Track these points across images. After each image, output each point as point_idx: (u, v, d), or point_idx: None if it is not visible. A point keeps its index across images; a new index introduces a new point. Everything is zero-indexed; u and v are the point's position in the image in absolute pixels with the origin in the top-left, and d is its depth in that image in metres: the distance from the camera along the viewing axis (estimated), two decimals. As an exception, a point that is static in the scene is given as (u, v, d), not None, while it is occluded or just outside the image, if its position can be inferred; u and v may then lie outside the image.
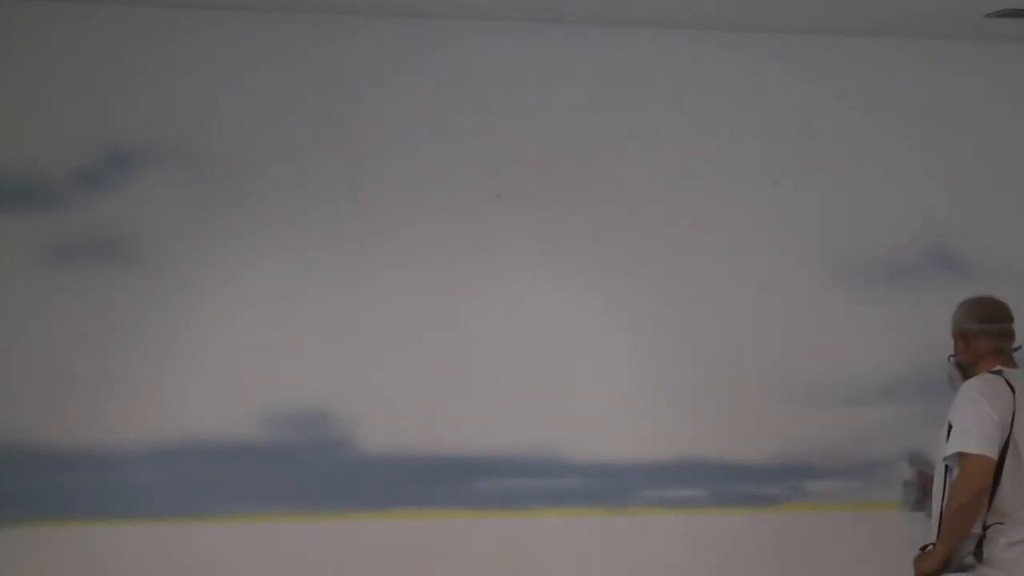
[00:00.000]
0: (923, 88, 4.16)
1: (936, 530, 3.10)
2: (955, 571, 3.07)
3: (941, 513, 3.08)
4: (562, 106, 3.96)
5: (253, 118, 3.81)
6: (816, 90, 4.11)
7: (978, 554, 3.03)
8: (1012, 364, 3.21)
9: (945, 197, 4.17)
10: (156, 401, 3.73)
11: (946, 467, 3.09)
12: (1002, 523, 3.03)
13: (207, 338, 3.77)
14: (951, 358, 3.33)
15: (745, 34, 4.04)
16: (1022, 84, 4.23)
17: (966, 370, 3.26)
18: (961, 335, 3.27)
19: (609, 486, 3.97)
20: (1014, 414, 3.05)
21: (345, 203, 3.85)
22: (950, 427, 3.08)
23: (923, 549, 3.16)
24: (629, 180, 4.00)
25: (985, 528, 3.03)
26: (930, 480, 3.35)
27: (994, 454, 2.99)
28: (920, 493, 3.51)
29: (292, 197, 3.82)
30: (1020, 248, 4.21)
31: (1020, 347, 3.25)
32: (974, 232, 4.18)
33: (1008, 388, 3.08)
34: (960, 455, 3.00)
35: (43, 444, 3.67)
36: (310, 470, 3.79)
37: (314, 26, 3.84)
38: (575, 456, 3.94)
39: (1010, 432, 3.04)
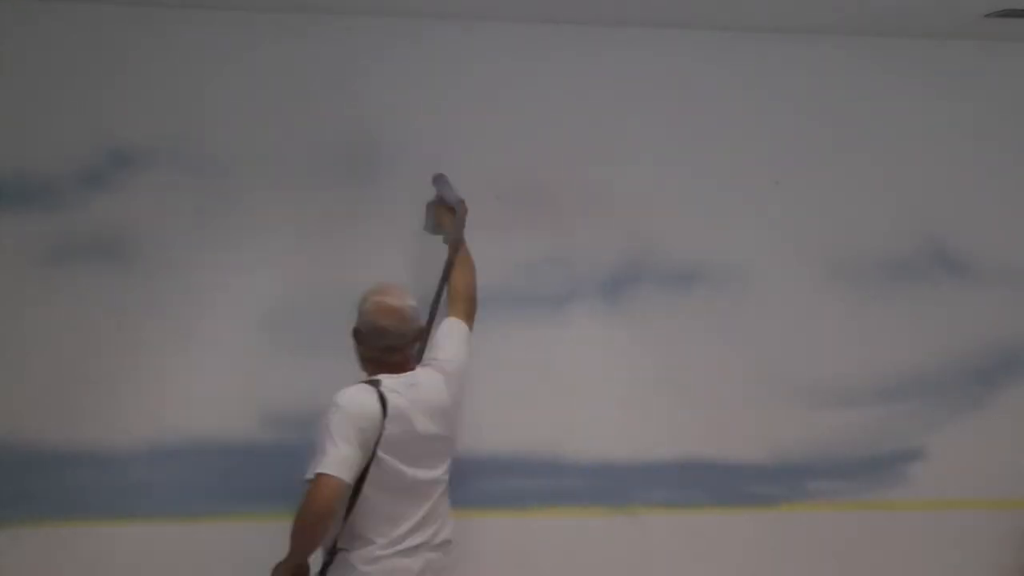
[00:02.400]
0: (923, 88, 4.16)
1: None
2: None
3: None
4: (562, 106, 3.96)
5: (253, 118, 3.81)
6: (816, 90, 4.11)
7: None
8: (399, 370, 3.15)
9: (945, 197, 4.17)
10: (156, 401, 3.73)
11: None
12: (349, 550, 3.05)
13: (207, 338, 3.77)
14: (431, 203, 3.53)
15: (745, 34, 4.04)
16: (1022, 84, 4.23)
17: (363, 363, 3.23)
18: (356, 331, 3.23)
19: (609, 486, 3.97)
20: (381, 435, 3.02)
21: (345, 203, 3.85)
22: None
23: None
24: (629, 180, 4.00)
25: (333, 552, 3.07)
26: (441, 199, 3.55)
27: (348, 477, 2.95)
28: (432, 215, 3.65)
29: (292, 197, 3.82)
30: (1020, 248, 4.21)
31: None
32: (974, 232, 4.18)
33: (379, 404, 3.02)
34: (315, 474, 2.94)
35: (43, 444, 3.67)
36: (310, 470, 3.79)
37: (314, 26, 3.84)
38: (575, 456, 3.95)
39: (373, 454, 3.01)
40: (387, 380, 3.11)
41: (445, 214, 3.66)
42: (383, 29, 3.87)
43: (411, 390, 3.13)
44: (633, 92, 4.00)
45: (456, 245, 3.57)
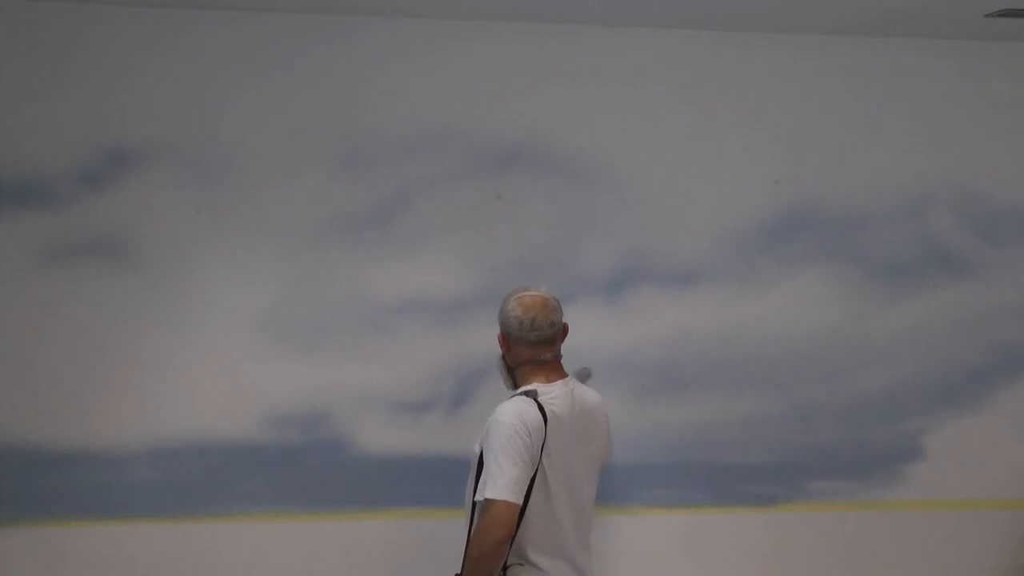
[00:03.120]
0: (923, 88, 4.16)
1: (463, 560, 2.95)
2: None
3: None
4: (562, 106, 3.96)
5: (253, 118, 3.81)
6: (816, 90, 4.11)
7: None
8: (554, 376, 3.04)
9: (946, 197, 4.17)
10: (156, 401, 3.73)
11: (474, 503, 2.95)
12: (522, 563, 2.94)
13: (207, 338, 3.77)
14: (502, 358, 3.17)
15: (745, 34, 4.04)
16: (1022, 84, 4.23)
17: (513, 373, 3.11)
18: (504, 336, 3.11)
19: (609, 486, 3.96)
20: (544, 444, 2.90)
21: (346, 203, 3.85)
22: (482, 452, 2.93)
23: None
24: (629, 180, 4.00)
25: (505, 568, 2.94)
26: None
27: (519, 499, 2.83)
28: None
29: (292, 197, 3.82)
30: (1021, 249, 4.21)
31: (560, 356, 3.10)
32: (974, 233, 4.18)
33: (540, 414, 2.91)
34: (486, 499, 2.84)
35: (43, 444, 3.67)
36: (310, 470, 3.79)
37: (314, 26, 3.84)
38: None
39: (539, 465, 2.90)
40: (543, 388, 3.00)
41: None
42: (383, 29, 3.87)
43: (569, 396, 3.02)
44: (633, 92, 4.00)
45: None
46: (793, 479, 4.06)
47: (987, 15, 3.85)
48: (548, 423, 2.93)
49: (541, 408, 2.93)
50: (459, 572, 2.96)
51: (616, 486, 3.97)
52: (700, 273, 4.03)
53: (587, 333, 3.94)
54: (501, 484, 2.83)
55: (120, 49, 3.75)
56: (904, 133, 4.15)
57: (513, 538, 2.90)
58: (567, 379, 3.09)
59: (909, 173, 4.15)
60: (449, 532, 3.81)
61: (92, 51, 3.74)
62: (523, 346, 3.07)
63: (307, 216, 3.83)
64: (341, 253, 3.84)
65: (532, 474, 2.90)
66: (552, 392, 3.00)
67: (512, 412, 2.92)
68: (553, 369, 3.08)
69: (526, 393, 2.99)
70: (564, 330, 3.16)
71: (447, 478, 3.83)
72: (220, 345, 3.77)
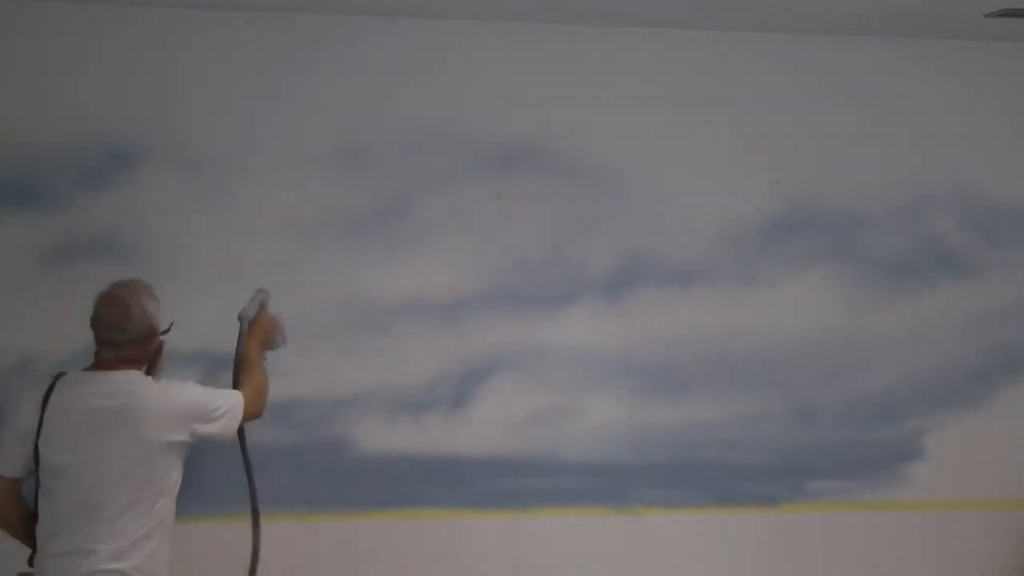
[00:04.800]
0: (923, 88, 4.16)
1: None
2: None
3: None
4: (562, 106, 3.96)
5: (253, 118, 3.81)
6: (816, 90, 4.11)
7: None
8: (106, 366, 3.06)
9: (946, 197, 4.17)
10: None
11: None
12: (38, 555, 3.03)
13: (207, 338, 3.76)
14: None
15: (745, 34, 4.04)
16: (1022, 84, 4.23)
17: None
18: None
19: (609, 486, 3.97)
20: (40, 428, 2.97)
21: (346, 203, 3.85)
22: None
23: None
24: (628, 180, 4.00)
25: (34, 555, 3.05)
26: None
27: (11, 472, 3.00)
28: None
29: (292, 196, 3.82)
30: (1021, 249, 4.21)
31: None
32: (974, 233, 4.18)
33: (43, 396, 2.99)
34: None
35: (43, 444, 3.67)
36: (310, 470, 3.79)
37: (314, 26, 3.84)
38: (575, 456, 3.95)
39: (36, 447, 2.97)
40: (73, 374, 3.06)
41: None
42: (383, 29, 3.87)
43: (98, 386, 3.03)
44: (633, 92, 4.00)
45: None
46: (793, 479, 4.06)
47: (987, 15, 3.85)
48: (48, 405, 2.98)
49: (50, 389, 3.01)
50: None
51: (616, 486, 3.97)
52: (700, 273, 4.03)
53: (587, 333, 3.96)
54: None
55: (120, 49, 3.75)
56: (904, 133, 4.15)
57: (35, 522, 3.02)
58: (121, 373, 3.07)
59: (909, 173, 4.15)
60: (449, 532, 3.83)
61: (92, 51, 3.74)
62: (95, 338, 3.12)
63: (307, 216, 3.83)
64: (341, 253, 3.84)
65: (30, 453, 2.98)
66: (79, 379, 3.05)
67: (23, 390, 3.09)
68: (107, 363, 3.08)
69: (58, 374, 3.08)
70: (143, 337, 3.12)
71: (447, 478, 3.84)
72: (219, 344, 3.77)
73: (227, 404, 3.22)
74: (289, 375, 3.79)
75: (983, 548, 4.12)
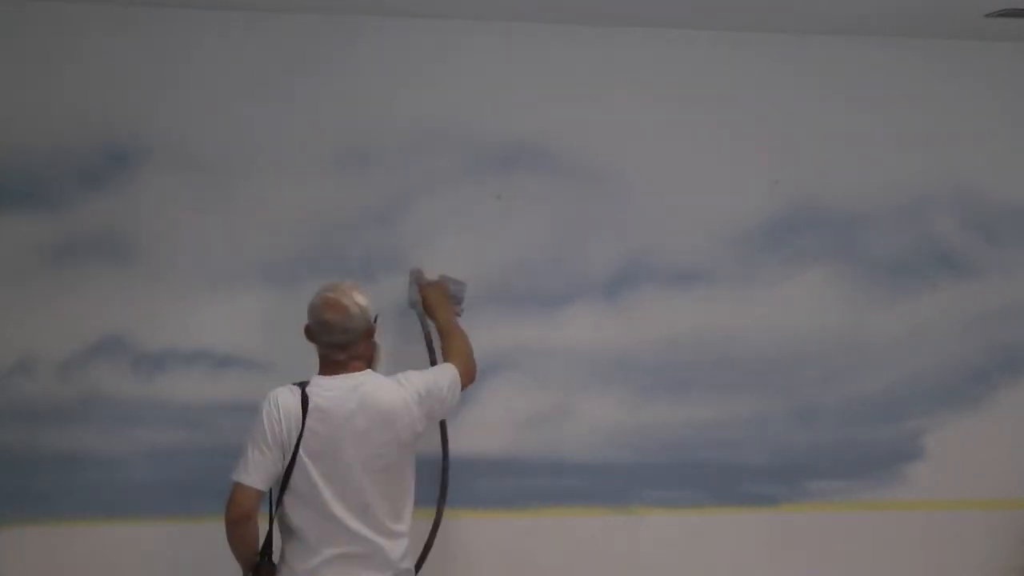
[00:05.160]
0: (923, 88, 4.16)
1: None
2: None
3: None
4: (562, 106, 3.96)
5: (254, 118, 3.81)
6: (816, 90, 4.11)
7: None
8: (341, 371, 3.08)
9: (946, 197, 4.17)
10: (156, 400, 3.73)
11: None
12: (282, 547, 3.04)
13: (207, 338, 3.77)
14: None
15: (745, 34, 4.04)
16: (1022, 84, 4.23)
17: None
18: (307, 328, 3.15)
19: (609, 486, 3.97)
20: (301, 436, 2.97)
21: (345, 203, 3.85)
22: None
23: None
24: (628, 180, 4.00)
25: (267, 556, 3.06)
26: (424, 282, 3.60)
27: (261, 484, 2.97)
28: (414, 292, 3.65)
29: (292, 196, 3.82)
30: (1021, 249, 4.21)
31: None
32: (974, 233, 4.18)
33: (301, 405, 2.99)
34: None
35: (43, 444, 3.67)
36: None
37: (314, 26, 3.84)
38: (575, 456, 3.95)
39: (294, 454, 2.97)
40: (318, 380, 3.07)
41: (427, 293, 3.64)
42: (383, 29, 3.87)
43: (348, 391, 3.05)
44: (633, 92, 4.00)
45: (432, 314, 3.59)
46: (793, 479, 4.06)
47: (987, 15, 3.85)
48: (309, 412, 2.98)
49: (305, 398, 2.99)
50: None
51: (616, 486, 3.97)
52: (700, 273, 4.03)
53: (587, 333, 3.96)
54: (241, 465, 2.98)
55: (120, 49, 3.75)
56: (904, 133, 4.15)
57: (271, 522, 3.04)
58: (360, 374, 3.09)
59: (909, 173, 4.15)
60: (449, 532, 3.83)
61: (92, 51, 3.74)
62: (320, 345, 3.13)
63: (307, 216, 3.83)
64: (341, 252, 3.84)
65: (285, 462, 2.97)
66: (326, 385, 3.05)
67: (272, 395, 3.03)
68: (342, 364, 3.10)
69: (301, 382, 3.06)
70: (366, 333, 3.14)
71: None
72: (219, 345, 3.77)
73: (448, 380, 3.25)
74: (289, 375, 3.78)
75: (983, 548, 4.12)
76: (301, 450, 2.97)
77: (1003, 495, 4.14)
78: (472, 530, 3.85)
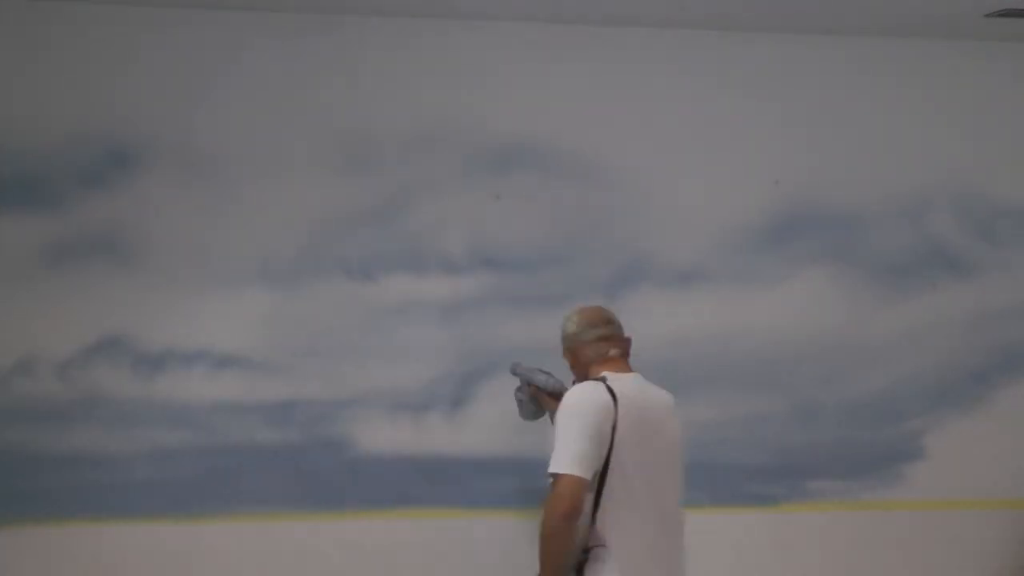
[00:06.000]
0: (923, 88, 4.16)
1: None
2: None
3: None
4: (562, 106, 3.96)
5: (254, 118, 3.81)
6: (816, 90, 4.11)
7: None
8: (622, 369, 3.05)
9: (946, 197, 4.17)
10: (156, 400, 3.73)
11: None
12: (603, 545, 2.87)
13: (206, 338, 3.77)
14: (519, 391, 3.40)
15: (745, 34, 4.04)
16: (1022, 84, 4.23)
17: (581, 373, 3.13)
18: (568, 351, 3.14)
19: (609, 486, 3.96)
20: (615, 426, 2.86)
21: (346, 202, 3.85)
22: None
23: None
24: (629, 179, 4.00)
25: (587, 551, 2.88)
26: (537, 388, 3.45)
27: (586, 473, 2.80)
28: (534, 403, 3.52)
29: (293, 196, 3.82)
30: (1021, 249, 4.21)
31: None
32: (974, 233, 4.18)
33: (610, 395, 2.88)
34: (551, 475, 2.82)
35: (43, 444, 3.67)
36: (310, 470, 3.79)
37: (314, 26, 3.84)
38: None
39: (611, 445, 2.86)
40: (612, 376, 2.98)
41: (545, 398, 3.53)
42: (383, 29, 3.87)
43: (639, 387, 3.02)
44: (633, 92, 4.00)
45: None
46: (793, 479, 4.06)
47: (987, 15, 3.85)
48: (619, 403, 2.89)
49: (610, 390, 2.91)
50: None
51: (616, 486, 3.96)
52: (700, 273, 4.03)
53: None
54: (565, 458, 2.81)
55: (121, 49, 3.75)
56: (904, 133, 4.15)
57: (593, 520, 2.87)
58: (635, 374, 3.08)
59: (909, 173, 4.15)
60: (449, 532, 3.83)
61: (92, 51, 3.74)
62: (591, 345, 3.09)
63: (307, 216, 3.83)
64: (341, 253, 3.84)
65: (604, 453, 2.86)
66: (621, 379, 3.00)
67: (577, 391, 2.93)
68: (620, 361, 3.09)
69: (596, 379, 2.98)
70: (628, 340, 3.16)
71: (447, 478, 3.84)
72: (219, 345, 3.77)
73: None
74: (289, 375, 3.79)
75: (983, 548, 4.12)
76: (616, 441, 2.87)
77: (1003, 495, 4.14)
78: (472, 530, 3.85)
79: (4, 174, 3.69)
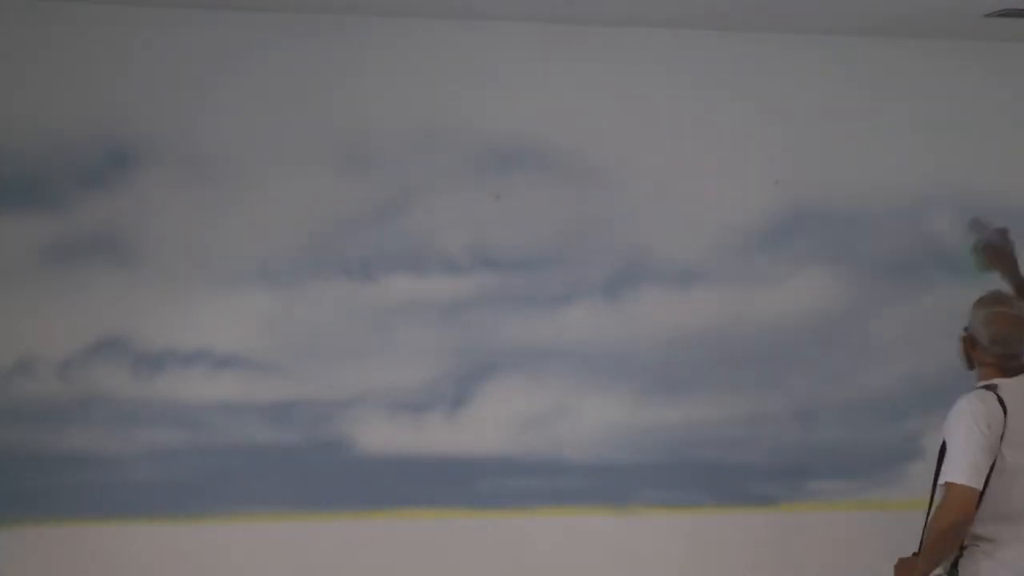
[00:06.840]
0: (923, 88, 4.16)
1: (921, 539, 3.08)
2: None
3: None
4: (562, 106, 3.96)
5: (254, 118, 3.81)
6: (816, 90, 4.11)
7: (953, 573, 3.04)
8: (1011, 373, 3.11)
9: (946, 197, 4.17)
10: (156, 401, 3.73)
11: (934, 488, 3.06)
12: (977, 544, 3.01)
13: (206, 338, 3.77)
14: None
15: (746, 34, 4.04)
16: (1022, 84, 4.23)
17: (970, 360, 3.24)
18: (969, 338, 3.22)
19: (609, 486, 3.97)
20: (1003, 434, 3.00)
21: (346, 203, 3.85)
22: (944, 444, 3.05)
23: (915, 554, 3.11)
24: (629, 180, 4.00)
25: (963, 547, 3.02)
26: (986, 243, 3.53)
27: (979, 484, 2.94)
28: (981, 255, 3.55)
29: (293, 196, 3.82)
30: (1021, 249, 4.21)
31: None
32: (975, 233, 4.17)
33: (999, 406, 3.02)
34: (946, 483, 2.97)
35: (43, 444, 3.67)
36: (310, 470, 3.79)
37: (314, 26, 3.84)
38: (575, 456, 3.95)
39: (998, 453, 2.99)
40: (1001, 385, 3.07)
41: (991, 254, 3.58)
42: (384, 29, 3.87)
43: None
44: (633, 92, 4.00)
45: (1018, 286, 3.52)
46: (793, 479, 4.06)
47: (987, 15, 3.85)
48: (1008, 415, 3.01)
49: (1000, 401, 3.03)
50: (917, 552, 3.10)
51: (616, 486, 3.97)
52: (700, 273, 4.03)
53: (587, 333, 3.96)
54: (962, 468, 2.93)
55: (121, 49, 3.75)
56: (904, 133, 4.15)
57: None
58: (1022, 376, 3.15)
59: (909, 173, 4.15)
60: (449, 532, 3.83)
61: (93, 51, 3.73)
62: (988, 356, 3.17)
63: (307, 215, 3.83)
64: (341, 253, 3.84)
65: (991, 461, 2.98)
66: (1010, 385, 3.08)
67: (973, 401, 3.04)
68: (1016, 370, 3.14)
69: (986, 387, 3.09)
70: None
71: (447, 478, 3.84)
72: (219, 345, 3.77)
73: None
74: (289, 375, 3.79)
75: (983, 548, 4.12)
76: (1003, 447, 2.99)
77: (1003, 495, 4.14)
78: (472, 530, 3.85)
79: (4, 174, 3.69)
